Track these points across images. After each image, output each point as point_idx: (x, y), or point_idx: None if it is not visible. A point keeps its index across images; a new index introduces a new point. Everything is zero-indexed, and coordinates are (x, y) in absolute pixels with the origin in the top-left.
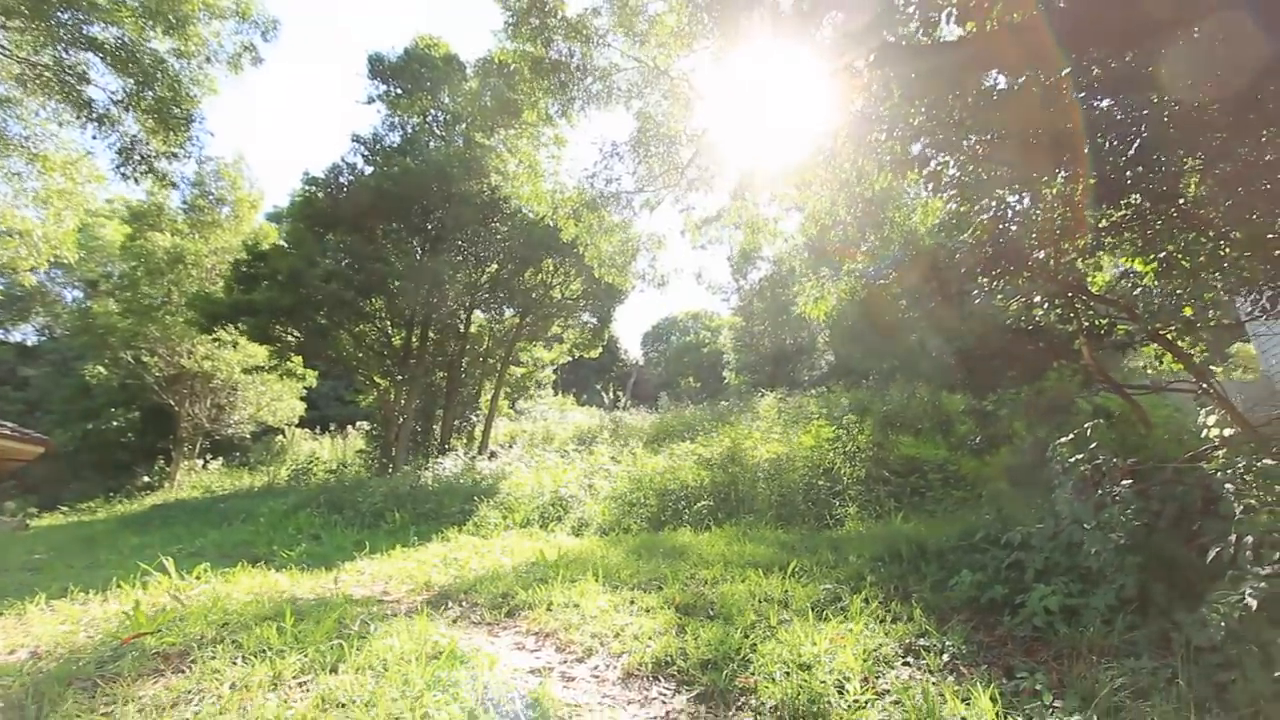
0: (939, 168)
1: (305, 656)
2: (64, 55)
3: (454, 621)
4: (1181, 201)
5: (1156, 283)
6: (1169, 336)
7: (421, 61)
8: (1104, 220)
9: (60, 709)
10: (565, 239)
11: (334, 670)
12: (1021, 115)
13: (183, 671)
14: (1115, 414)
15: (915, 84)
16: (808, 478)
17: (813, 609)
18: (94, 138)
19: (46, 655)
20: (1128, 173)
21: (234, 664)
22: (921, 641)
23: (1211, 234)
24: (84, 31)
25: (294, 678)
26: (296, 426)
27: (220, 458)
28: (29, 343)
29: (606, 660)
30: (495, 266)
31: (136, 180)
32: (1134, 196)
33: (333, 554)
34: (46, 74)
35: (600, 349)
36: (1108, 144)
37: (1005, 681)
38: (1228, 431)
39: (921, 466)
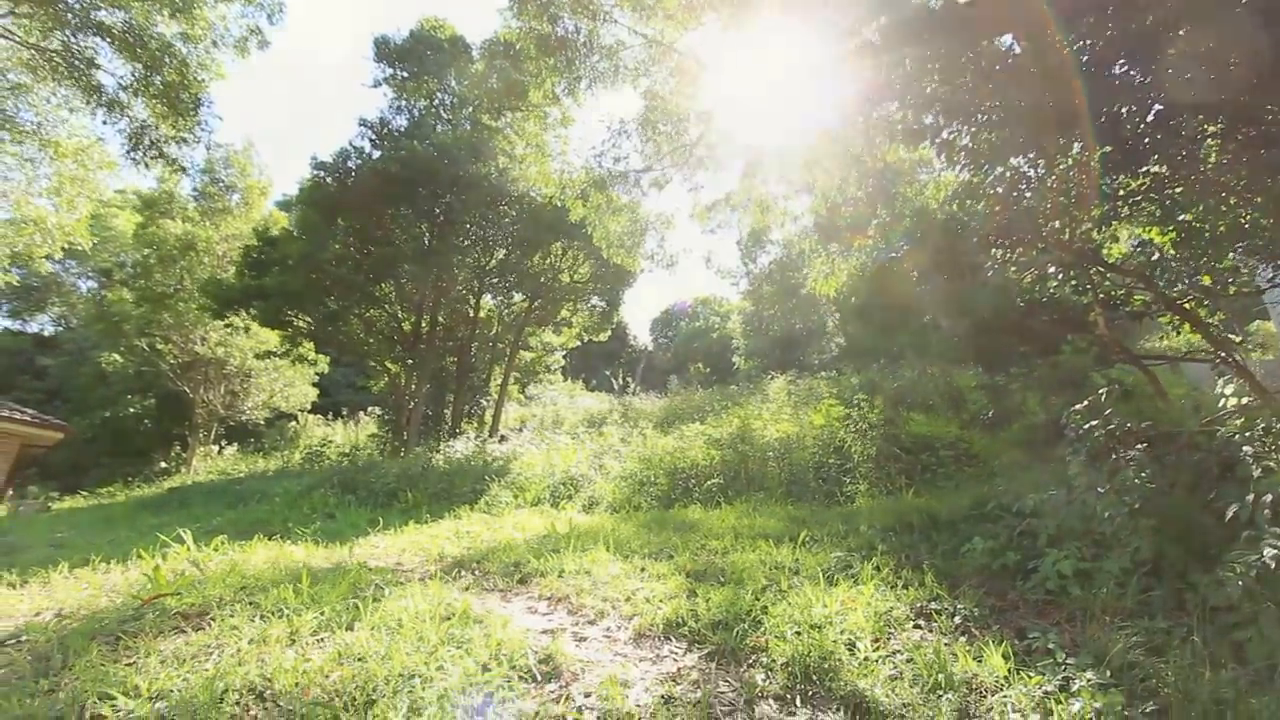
0: (952, 137)
1: (322, 615)
2: (73, 40)
3: (467, 588)
4: (1202, 169)
5: (1174, 251)
6: (1187, 306)
7: (427, 44)
8: (1121, 189)
9: (84, 659)
10: (573, 220)
11: (350, 628)
12: (1034, 80)
13: (202, 629)
14: (1131, 387)
15: (928, 50)
16: (818, 456)
17: (823, 575)
18: (104, 123)
19: (70, 615)
20: (1145, 139)
21: (252, 621)
22: (933, 605)
23: (1233, 200)
24: (92, 16)
25: (311, 634)
26: (309, 412)
27: (235, 443)
28: (46, 333)
29: (618, 622)
30: (504, 251)
31: (147, 165)
32: (1152, 164)
33: (347, 530)
34: (56, 60)
35: (609, 332)
36: (1125, 111)
37: (1018, 642)
38: (1246, 400)
39: (933, 443)
